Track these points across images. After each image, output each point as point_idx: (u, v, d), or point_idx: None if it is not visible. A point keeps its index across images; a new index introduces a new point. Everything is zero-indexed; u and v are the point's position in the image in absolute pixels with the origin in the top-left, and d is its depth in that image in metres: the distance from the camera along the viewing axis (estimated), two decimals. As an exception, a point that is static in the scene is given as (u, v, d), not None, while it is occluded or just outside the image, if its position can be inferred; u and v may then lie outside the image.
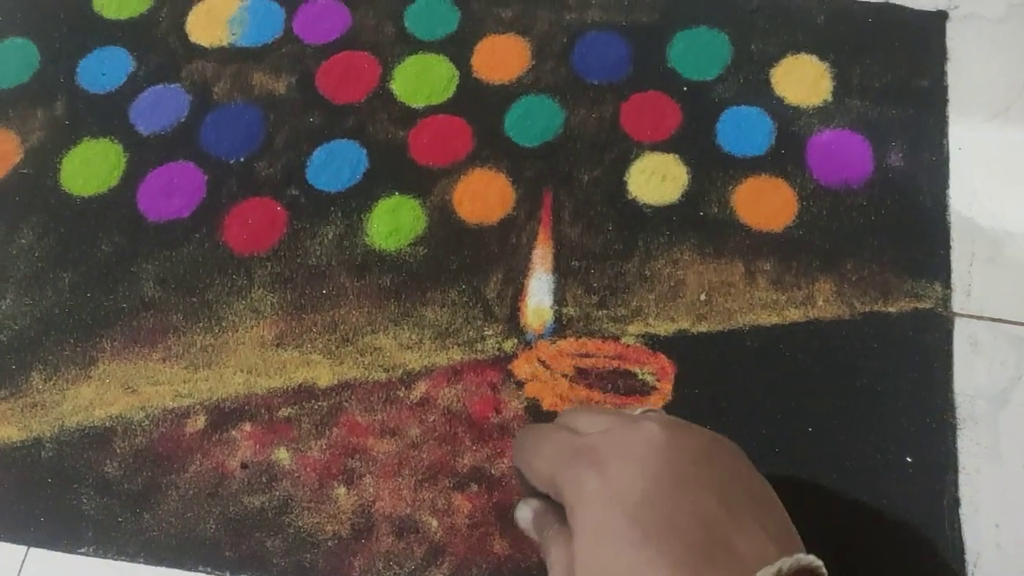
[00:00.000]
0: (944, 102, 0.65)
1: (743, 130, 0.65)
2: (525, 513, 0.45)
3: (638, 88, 0.67)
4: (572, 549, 0.37)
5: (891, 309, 0.58)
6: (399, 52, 0.69)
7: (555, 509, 0.42)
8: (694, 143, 0.64)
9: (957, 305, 0.58)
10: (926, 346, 0.57)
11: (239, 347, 0.59)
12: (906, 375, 0.56)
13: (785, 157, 0.63)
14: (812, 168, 0.63)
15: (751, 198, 0.62)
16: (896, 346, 0.57)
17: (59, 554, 0.54)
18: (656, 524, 0.35)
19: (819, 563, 0.37)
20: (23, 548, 0.54)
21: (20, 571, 0.53)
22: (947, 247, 0.60)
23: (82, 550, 0.54)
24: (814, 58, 0.67)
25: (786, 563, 0.36)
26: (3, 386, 0.58)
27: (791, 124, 0.65)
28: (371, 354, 0.58)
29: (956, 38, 0.68)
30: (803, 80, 0.66)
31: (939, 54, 0.67)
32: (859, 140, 0.64)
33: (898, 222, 0.61)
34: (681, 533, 0.35)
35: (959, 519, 0.52)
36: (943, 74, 0.66)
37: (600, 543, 0.36)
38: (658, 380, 0.57)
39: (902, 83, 0.66)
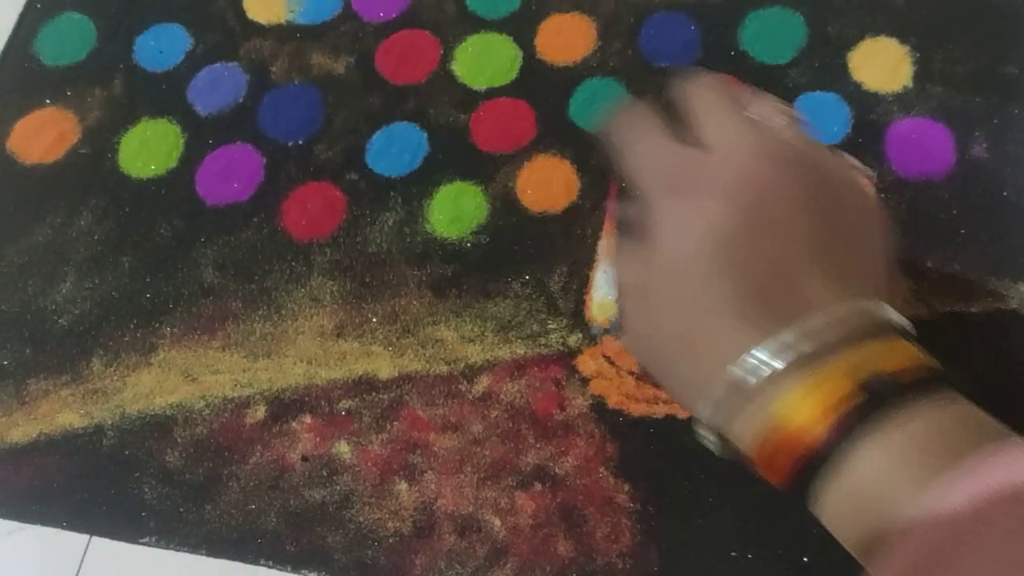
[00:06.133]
0: (1031, 90, 0.62)
1: (818, 117, 0.62)
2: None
3: (708, 72, 0.64)
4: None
5: (973, 310, 0.56)
6: (460, 31, 0.67)
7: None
8: (766, 130, 0.62)
9: (1042, 307, 0.56)
10: (1009, 350, 0.55)
11: (299, 336, 0.58)
12: (988, 380, 0.54)
13: (862, 146, 0.61)
14: (891, 158, 0.60)
15: (826, 190, 0.60)
16: (978, 349, 0.55)
17: (121, 544, 0.54)
18: (731, 265, 0.36)
19: (900, 320, 0.38)
20: (85, 537, 0.54)
21: (83, 559, 0.53)
22: (1033, 245, 0.58)
23: (144, 540, 0.53)
24: (894, 41, 0.64)
25: (845, 309, 0.36)
26: (64, 371, 0.58)
27: (869, 111, 0.62)
28: (432, 346, 0.57)
29: (1044, 21, 0.64)
30: (882, 65, 0.63)
31: (1027, 39, 0.64)
32: (940, 129, 0.61)
33: (981, 218, 0.58)
34: (752, 277, 0.36)
35: (1041, 533, 0.50)
36: (1030, 60, 0.63)
37: (674, 269, 0.37)
38: (727, 379, 0.55)
39: (987, 69, 0.63)
